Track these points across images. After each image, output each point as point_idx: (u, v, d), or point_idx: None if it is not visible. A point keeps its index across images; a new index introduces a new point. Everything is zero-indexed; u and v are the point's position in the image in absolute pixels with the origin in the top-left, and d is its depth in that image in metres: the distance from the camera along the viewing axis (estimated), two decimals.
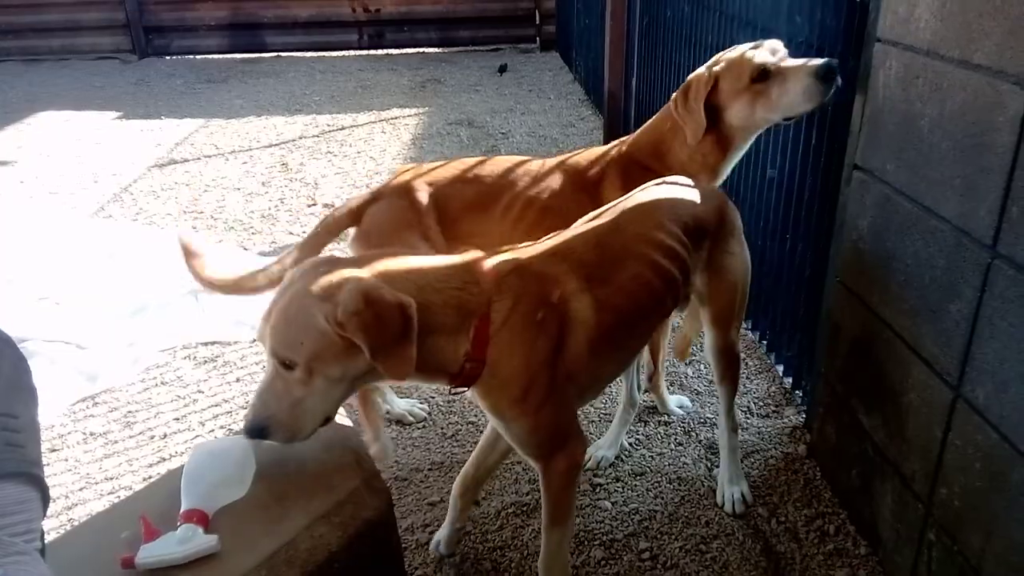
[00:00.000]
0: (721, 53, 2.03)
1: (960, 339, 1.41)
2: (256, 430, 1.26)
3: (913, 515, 1.60)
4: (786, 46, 1.95)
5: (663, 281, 1.51)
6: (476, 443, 2.21)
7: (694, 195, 1.70)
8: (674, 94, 2.05)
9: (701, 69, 2.02)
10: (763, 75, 1.90)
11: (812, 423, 2.16)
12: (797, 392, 2.39)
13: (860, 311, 1.80)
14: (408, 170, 2.11)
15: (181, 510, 1.24)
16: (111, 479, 2.16)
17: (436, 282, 1.31)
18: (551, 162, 2.14)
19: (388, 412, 2.38)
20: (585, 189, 2.06)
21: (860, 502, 1.85)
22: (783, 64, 1.91)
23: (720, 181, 2.12)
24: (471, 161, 2.14)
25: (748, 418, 2.30)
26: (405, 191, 2.03)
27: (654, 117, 2.16)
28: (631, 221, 1.56)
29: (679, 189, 1.71)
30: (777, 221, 2.45)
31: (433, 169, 2.10)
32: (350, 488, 1.36)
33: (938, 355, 1.49)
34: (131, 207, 4.22)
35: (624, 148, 2.14)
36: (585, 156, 2.16)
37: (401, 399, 2.41)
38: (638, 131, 2.18)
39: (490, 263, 1.39)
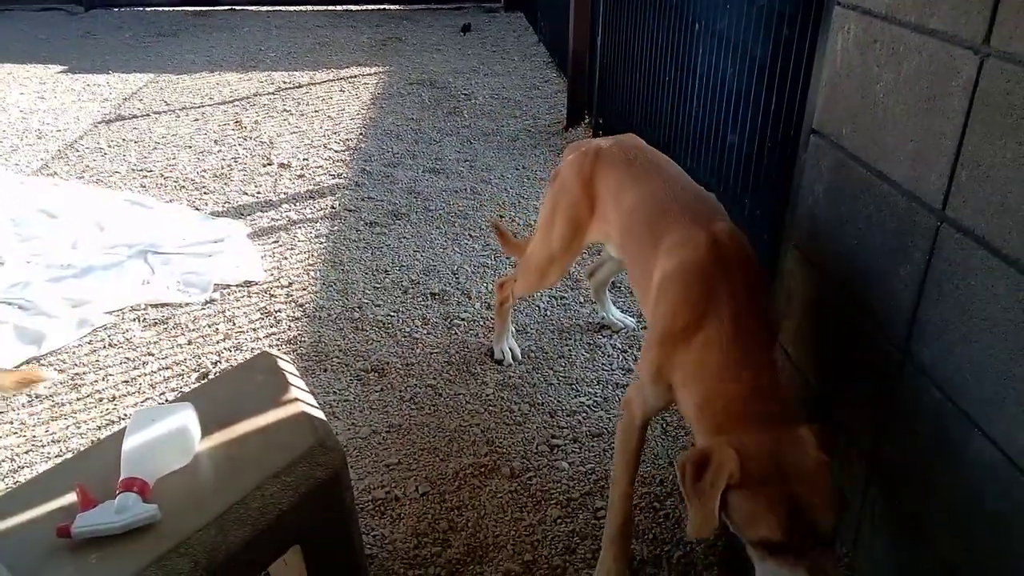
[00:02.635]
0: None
1: (908, 302, 1.44)
2: None
3: (858, 472, 1.65)
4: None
5: None
6: (434, 406, 2.23)
7: None
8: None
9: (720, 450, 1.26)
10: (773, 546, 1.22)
11: None
12: None
13: (813, 275, 1.83)
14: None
15: (120, 479, 1.21)
16: (58, 442, 2.11)
17: None
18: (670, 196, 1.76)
19: (603, 319, 2.63)
20: None
21: None
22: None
23: None
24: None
25: None
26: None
27: None
28: None
29: None
30: (737, 186, 2.46)
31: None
32: (303, 447, 1.34)
33: (886, 318, 1.52)
34: (77, 164, 4.06)
35: None
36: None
37: (616, 310, 2.65)
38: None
39: None
